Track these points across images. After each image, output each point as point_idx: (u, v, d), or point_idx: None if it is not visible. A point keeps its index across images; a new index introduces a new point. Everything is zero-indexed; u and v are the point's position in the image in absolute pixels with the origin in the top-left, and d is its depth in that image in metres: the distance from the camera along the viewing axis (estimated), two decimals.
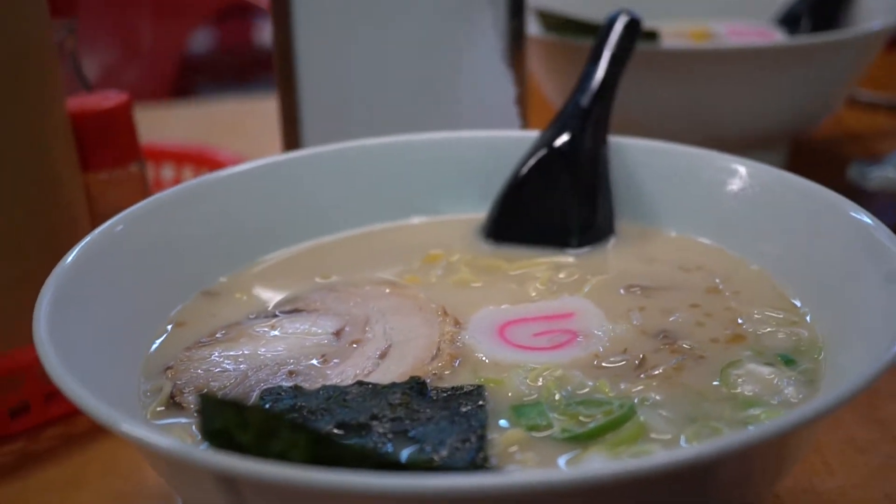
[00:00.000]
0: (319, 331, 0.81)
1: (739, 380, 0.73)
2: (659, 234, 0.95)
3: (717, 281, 0.86)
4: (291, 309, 0.84)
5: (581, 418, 0.69)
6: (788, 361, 0.75)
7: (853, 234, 0.79)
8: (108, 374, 0.73)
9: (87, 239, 0.81)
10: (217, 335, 0.81)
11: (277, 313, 0.84)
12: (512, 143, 0.99)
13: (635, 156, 0.98)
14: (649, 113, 1.34)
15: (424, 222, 0.99)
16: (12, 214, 0.93)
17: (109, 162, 1.10)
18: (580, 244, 0.94)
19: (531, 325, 0.81)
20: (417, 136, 1.00)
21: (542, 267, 0.90)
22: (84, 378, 0.64)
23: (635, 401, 0.71)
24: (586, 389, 0.73)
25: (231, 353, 0.78)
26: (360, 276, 0.90)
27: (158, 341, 0.81)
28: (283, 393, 0.73)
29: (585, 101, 0.98)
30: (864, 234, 0.78)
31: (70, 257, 0.77)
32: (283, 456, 0.57)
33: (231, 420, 0.57)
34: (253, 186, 0.94)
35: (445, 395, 0.72)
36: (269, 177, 0.94)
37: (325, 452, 0.57)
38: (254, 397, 0.73)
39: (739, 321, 0.80)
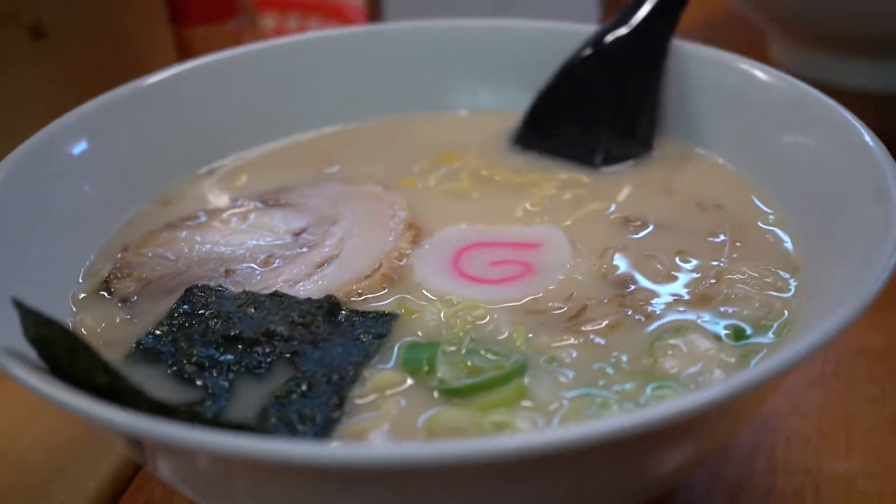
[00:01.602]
0: (282, 228, 0.79)
1: (669, 351, 0.65)
2: (699, 158, 0.85)
3: (726, 227, 0.76)
4: (272, 201, 0.83)
5: (470, 367, 0.65)
6: (739, 334, 0.66)
7: None
8: (65, 243, 0.75)
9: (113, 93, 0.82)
10: (190, 221, 0.81)
11: (258, 204, 0.83)
12: (563, 36, 0.90)
13: (697, 65, 0.87)
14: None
15: (460, 115, 0.93)
16: (98, 65, 0.95)
17: (205, 18, 1.10)
18: (605, 162, 0.85)
19: (493, 251, 0.76)
20: (460, 22, 0.93)
21: (549, 184, 0.83)
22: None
23: (542, 360, 0.65)
24: (500, 337, 0.67)
25: (185, 241, 0.78)
26: (364, 170, 0.86)
27: (126, 218, 0.81)
28: (203, 293, 0.72)
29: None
30: None
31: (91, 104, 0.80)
32: (88, 376, 0.56)
33: (43, 332, 0.57)
34: (281, 64, 0.91)
35: (354, 319, 0.69)
36: (298, 56, 0.91)
37: (116, 383, 0.56)
38: (178, 293, 0.73)
39: (719, 278, 0.71)
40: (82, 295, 0.73)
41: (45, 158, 0.77)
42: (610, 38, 0.87)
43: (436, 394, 0.63)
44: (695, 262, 0.73)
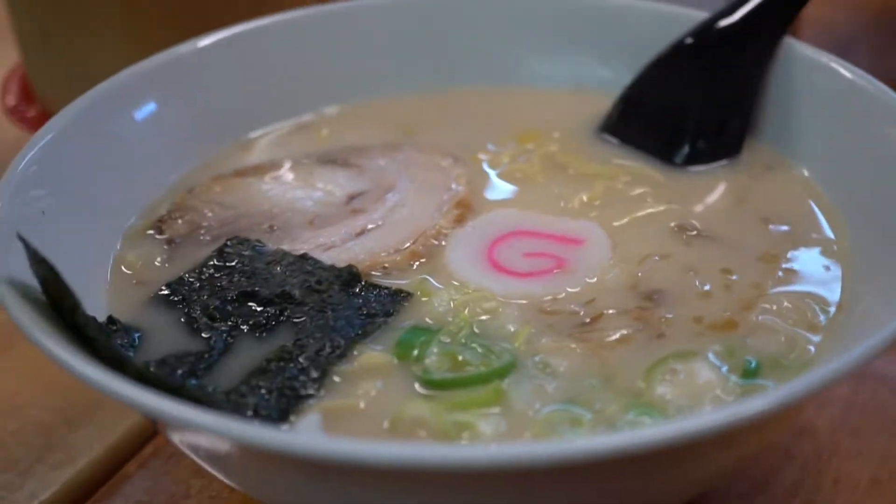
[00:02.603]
0: (339, 189, 0.80)
1: (668, 377, 0.62)
2: (787, 169, 0.80)
3: (784, 250, 0.72)
4: (341, 160, 0.83)
5: (458, 361, 0.64)
6: (749, 372, 0.62)
7: None
8: (133, 178, 0.79)
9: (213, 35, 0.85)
10: (258, 170, 0.82)
11: (325, 162, 0.83)
12: (675, 20, 0.85)
13: (805, 69, 0.81)
14: None
15: (559, 92, 0.90)
16: None
17: None
18: (687, 161, 0.81)
19: (532, 241, 0.74)
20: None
21: (619, 178, 0.80)
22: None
23: (535, 364, 0.63)
24: (504, 333, 0.66)
25: (245, 191, 0.80)
26: (443, 138, 0.85)
27: (205, 159, 0.84)
28: (240, 245, 0.74)
29: None
30: None
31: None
32: (72, 316, 0.59)
33: (39, 270, 0.60)
34: (378, 23, 0.91)
35: (369, 293, 0.69)
36: (396, 16, 0.91)
37: (87, 329, 0.59)
38: (221, 242, 0.75)
39: (752, 305, 0.67)
40: (134, 230, 0.76)
41: (127, 94, 0.80)
42: (716, 28, 0.82)
43: (416, 385, 0.63)
44: (736, 282, 0.69)
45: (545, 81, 0.90)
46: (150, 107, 0.81)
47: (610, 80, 0.88)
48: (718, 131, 0.81)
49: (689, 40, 0.82)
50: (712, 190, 0.78)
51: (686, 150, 0.81)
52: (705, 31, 0.82)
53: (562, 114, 0.87)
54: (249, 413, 0.60)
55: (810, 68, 0.80)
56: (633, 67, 0.86)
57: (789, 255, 0.71)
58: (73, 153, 0.74)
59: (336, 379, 0.63)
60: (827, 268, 0.70)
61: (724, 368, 0.62)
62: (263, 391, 0.62)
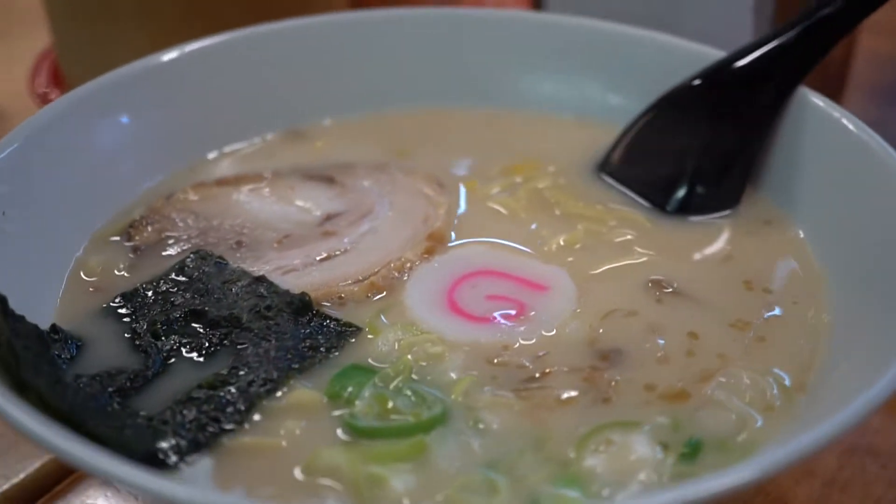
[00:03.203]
0: (318, 208, 0.78)
1: (601, 447, 0.59)
2: (784, 229, 0.75)
3: (760, 317, 0.67)
4: (327, 176, 0.81)
5: (388, 408, 0.61)
6: (691, 452, 0.58)
7: None
8: (109, 180, 0.78)
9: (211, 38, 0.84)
10: (243, 181, 0.81)
11: (310, 177, 0.81)
12: (686, 55, 0.81)
13: (813, 121, 0.76)
14: None
15: (564, 120, 0.87)
16: None
17: None
18: (680, 209, 0.77)
19: (497, 282, 0.71)
20: (587, 22, 0.86)
21: (605, 222, 0.76)
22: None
23: (467, 419, 0.60)
24: (444, 381, 0.63)
25: (221, 202, 0.78)
26: (434, 160, 0.83)
27: (189, 164, 0.83)
28: (202, 261, 0.72)
29: (791, 34, 0.77)
30: None
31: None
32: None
33: None
34: (386, 35, 0.88)
35: (318, 323, 0.67)
36: (401, 28, 0.88)
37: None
38: (187, 252, 0.73)
39: (711, 377, 0.63)
40: (101, 235, 0.76)
41: (107, 99, 0.79)
42: (729, 69, 0.78)
43: (339, 430, 0.60)
44: (700, 348, 0.65)
45: (550, 106, 0.87)
46: (131, 111, 0.80)
47: (617, 109, 0.84)
48: (718, 179, 0.77)
49: (697, 81, 0.78)
50: (701, 244, 0.75)
51: (682, 196, 0.77)
52: (717, 73, 0.78)
53: (561, 144, 0.84)
54: (171, 441, 0.59)
55: (820, 121, 0.75)
56: (642, 99, 0.82)
57: (764, 324, 0.67)
58: (44, 155, 0.73)
59: (259, 416, 0.61)
60: (800, 343, 0.65)
61: (662, 446, 0.59)
62: (187, 419, 0.60)
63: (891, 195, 0.68)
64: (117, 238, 0.75)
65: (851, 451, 0.77)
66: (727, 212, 0.77)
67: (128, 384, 0.63)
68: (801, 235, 0.74)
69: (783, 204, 0.76)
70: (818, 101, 0.75)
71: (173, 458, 0.58)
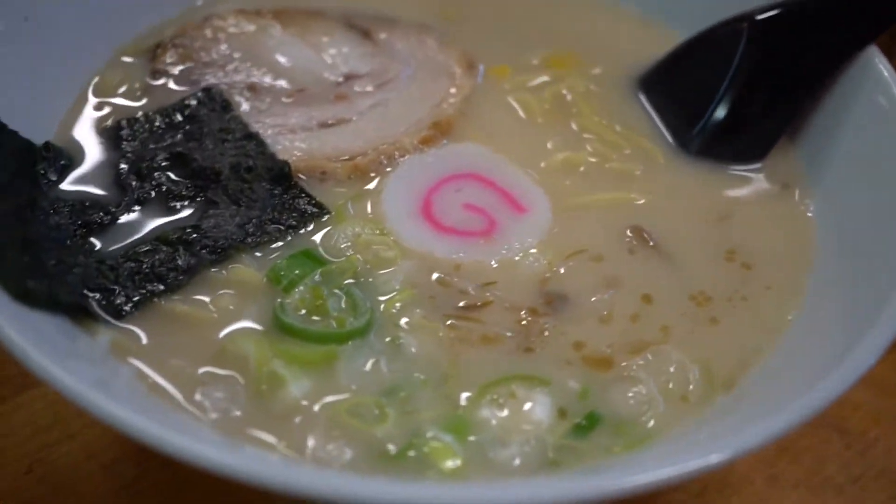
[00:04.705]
0: (344, 64, 0.77)
1: (500, 399, 0.59)
2: (793, 202, 0.71)
3: (726, 300, 0.65)
4: (365, 28, 0.80)
5: (317, 306, 0.63)
6: (587, 426, 0.58)
7: None
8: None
9: None
10: (279, 15, 0.80)
11: (351, 25, 0.80)
12: None
13: (874, 93, 0.70)
14: None
15: (627, 16, 0.82)
16: None
17: None
18: (700, 151, 0.73)
19: (481, 190, 0.70)
20: None
21: (619, 147, 0.73)
22: None
23: (388, 336, 0.62)
24: (384, 289, 0.64)
25: (253, 36, 0.78)
26: (472, 37, 0.80)
27: None
28: (209, 101, 0.73)
29: None
30: None
31: None
32: None
33: None
34: None
35: (291, 196, 0.68)
36: None
37: None
38: (202, 86, 0.74)
39: (642, 350, 0.62)
40: (126, 51, 0.77)
41: None
42: (800, 8, 0.71)
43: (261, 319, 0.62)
44: (647, 316, 0.64)
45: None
46: None
47: (685, 16, 0.78)
48: (751, 127, 0.73)
49: (765, 14, 0.72)
50: (703, 196, 0.71)
51: (701, 140, 0.72)
52: (787, 8, 0.72)
53: (615, 44, 0.80)
54: (112, 287, 0.62)
55: (878, 92, 0.69)
56: (714, 13, 0.76)
57: (724, 304, 0.64)
58: None
59: (199, 285, 0.63)
60: (751, 336, 0.63)
61: (560, 412, 0.59)
62: (133, 271, 0.63)
63: None
64: (138, 59, 0.76)
65: (820, 422, 0.74)
66: (749, 165, 0.72)
67: (97, 220, 0.66)
68: (810, 214, 0.69)
69: (809, 171, 0.71)
70: (883, 68, 0.69)
71: (105, 309, 0.61)
